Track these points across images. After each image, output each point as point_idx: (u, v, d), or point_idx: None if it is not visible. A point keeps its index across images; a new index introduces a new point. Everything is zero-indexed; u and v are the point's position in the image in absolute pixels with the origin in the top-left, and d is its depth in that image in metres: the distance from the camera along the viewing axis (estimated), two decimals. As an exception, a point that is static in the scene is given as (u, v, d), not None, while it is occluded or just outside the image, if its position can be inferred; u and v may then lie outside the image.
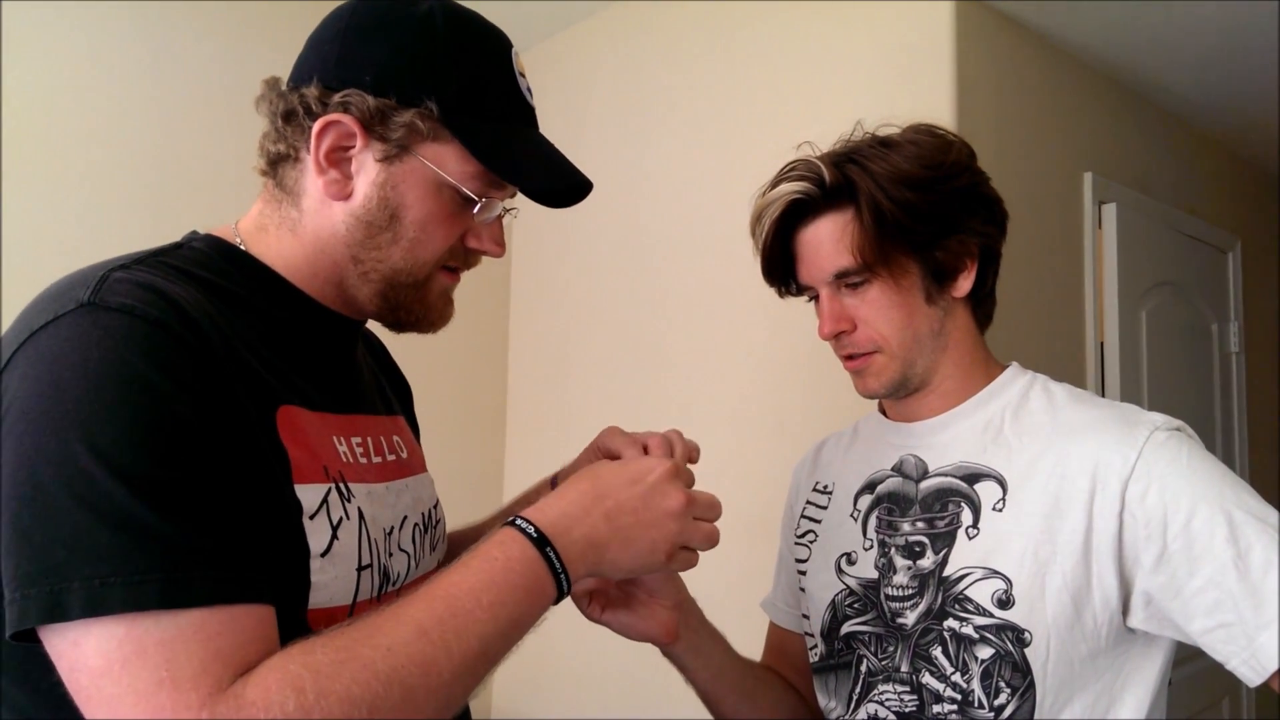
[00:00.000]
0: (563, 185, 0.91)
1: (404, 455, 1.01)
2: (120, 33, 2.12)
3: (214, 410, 0.71)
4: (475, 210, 0.89)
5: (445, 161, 0.86)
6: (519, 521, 0.80)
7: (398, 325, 0.95)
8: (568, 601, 1.05)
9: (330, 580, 0.79)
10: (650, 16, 2.51)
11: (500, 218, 0.94)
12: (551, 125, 0.95)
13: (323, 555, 0.78)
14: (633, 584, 1.06)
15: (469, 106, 0.86)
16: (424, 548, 0.98)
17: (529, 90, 0.92)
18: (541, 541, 0.79)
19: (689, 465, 0.99)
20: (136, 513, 0.65)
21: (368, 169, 0.85)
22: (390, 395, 1.10)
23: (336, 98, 0.83)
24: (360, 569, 0.83)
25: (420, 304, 0.92)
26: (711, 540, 0.92)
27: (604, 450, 1.05)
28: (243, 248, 0.89)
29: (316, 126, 0.83)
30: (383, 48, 0.85)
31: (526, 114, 0.92)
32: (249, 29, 2.28)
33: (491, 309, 2.84)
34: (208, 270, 0.84)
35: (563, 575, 0.79)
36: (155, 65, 2.17)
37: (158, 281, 0.75)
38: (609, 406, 2.50)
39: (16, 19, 1.96)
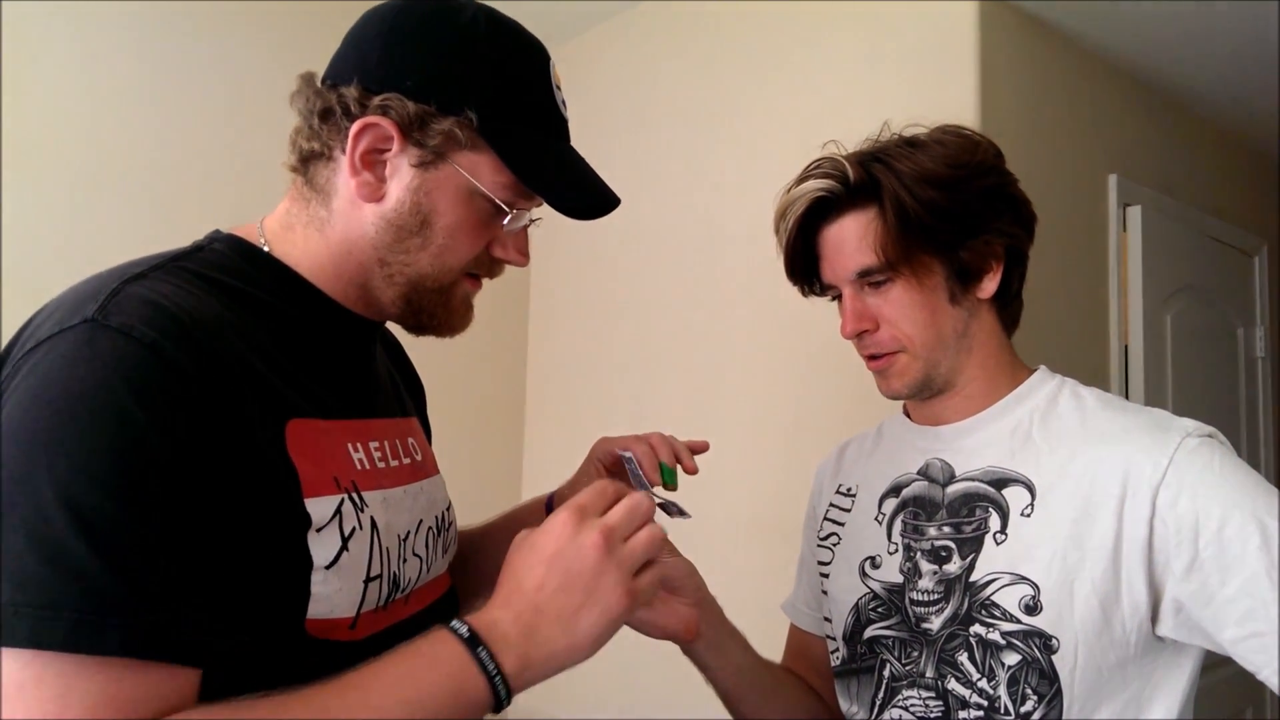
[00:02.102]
0: (593, 202, 0.90)
1: (419, 458, 1.01)
2: (121, 32, 2.12)
3: (198, 443, 0.69)
4: (505, 221, 0.89)
5: (480, 171, 0.85)
6: (453, 622, 0.76)
7: (418, 329, 0.94)
8: None
9: (333, 592, 0.78)
10: (669, 18, 2.51)
11: (526, 228, 0.94)
12: (572, 127, 0.95)
13: (327, 568, 0.77)
14: None
15: (507, 117, 0.86)
16: (436, 551, 0.98)
17: (564, 103, 0.92)
18: (473, 641, 0.74)
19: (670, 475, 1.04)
20: (71, 547, 0.63)
21: (402, 173, 0.85)
22: (405, 396, 1.10)
23: (376, 100, 0.83)
24: (368, 580, 0.82)
25: (443, 309, 0.92)
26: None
27: (602, 460, 1.07)
28: (266, 248, 0.89)
29: (355, 127, 0.83)
30: (425, 53, 0.84)
31: (561, 127, 0.92)
32: (250, 28, 2.29)
33: (511, 310, 2.84)
34: (228, 274, 0.83)
35: (497, 677, 0.74)
36: (155, 64, 2.17)
37: (169, 295, 0.74)
38: (626, 408, 2.50)
39: (17, 20, 1.96)
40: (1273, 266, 3.04)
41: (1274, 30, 2.22)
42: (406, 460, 0.97)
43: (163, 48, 2.18)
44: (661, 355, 2.43)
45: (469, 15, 0.86)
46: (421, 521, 0.95)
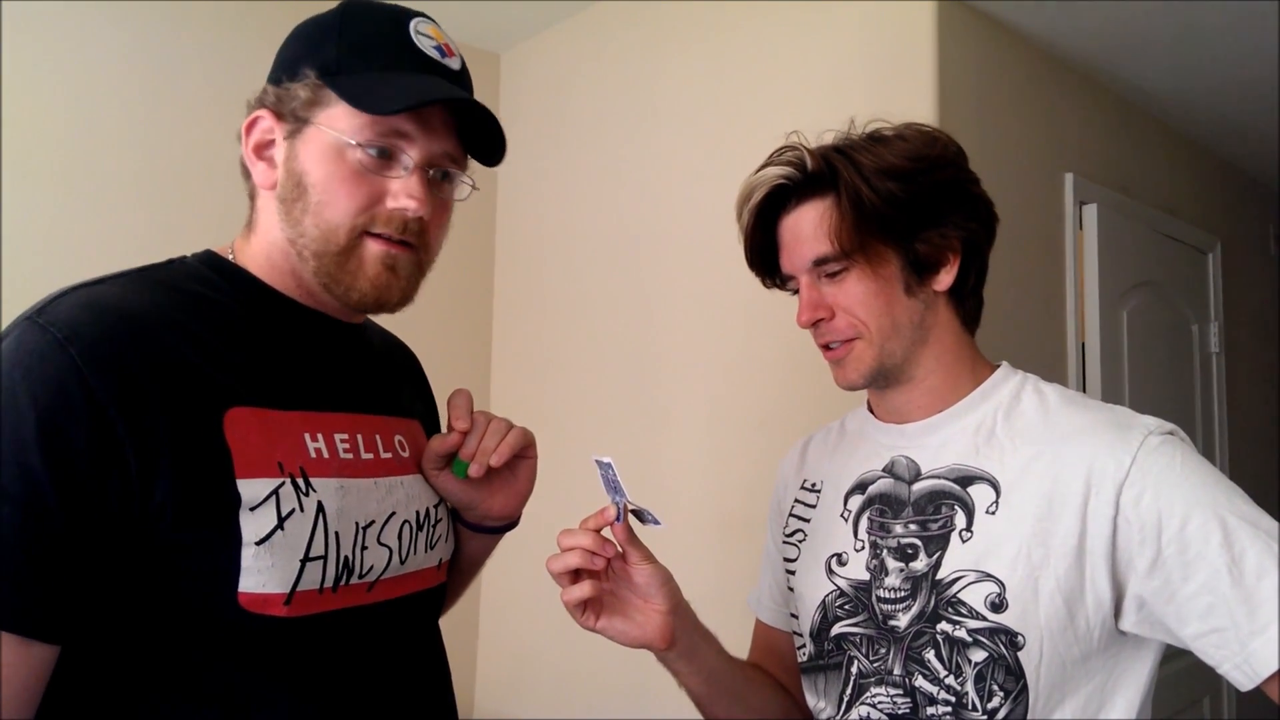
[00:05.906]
0: (415, 101, 0.89)
1: (404, 454, 1.03)
2: (119, 34, 2.12)
3: (87, 429, 0.75)
4: (358, 152, 0.90)
5: (336, 120, 0.90)
6: None
7: (354, 307, 0.95)
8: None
9: (266, 567, 0.82)
10: (631, 17, 2.50)
11: (422, 177, 0.93)
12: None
13: (258, 543, 0.82)
14: (627, 590, 1.07)
15: (349, 67, 0.91)
16: (415, 545, 1.00)
17: (439, 49, 0.95)
18: None
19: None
20: None
21: (281, 151, 0.93)
22: (408, 402, 1.13)
23: (255, 98, 0.95)
24: (306, 560, 0.85)
25: (355, 274, 0.92)
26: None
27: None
28: (233, 259, 0.96)
29: (244, 125, 0.94)
30: (286, 49, 0.96)
31: (427, 66, 0.94)
32: (248, 30, 2.28)
33: (475, 309, 2.82)
34: (195, 283, 0.92)
35: None
36: (153, 66, 2.18)
37: (114, 298, 0.83)
38: (592, 406, 2.49)
39: (15, 21, 1.96)
40: (1226, 263, 3.09)
41: (1228, 32, 2.26)
42: (386, 455, 1.00)
43: (161, 50, 2.19)
44: (625, 353, 2.43)
45: (324, 14, 0.95)
46: (395, 514, 0.97)
